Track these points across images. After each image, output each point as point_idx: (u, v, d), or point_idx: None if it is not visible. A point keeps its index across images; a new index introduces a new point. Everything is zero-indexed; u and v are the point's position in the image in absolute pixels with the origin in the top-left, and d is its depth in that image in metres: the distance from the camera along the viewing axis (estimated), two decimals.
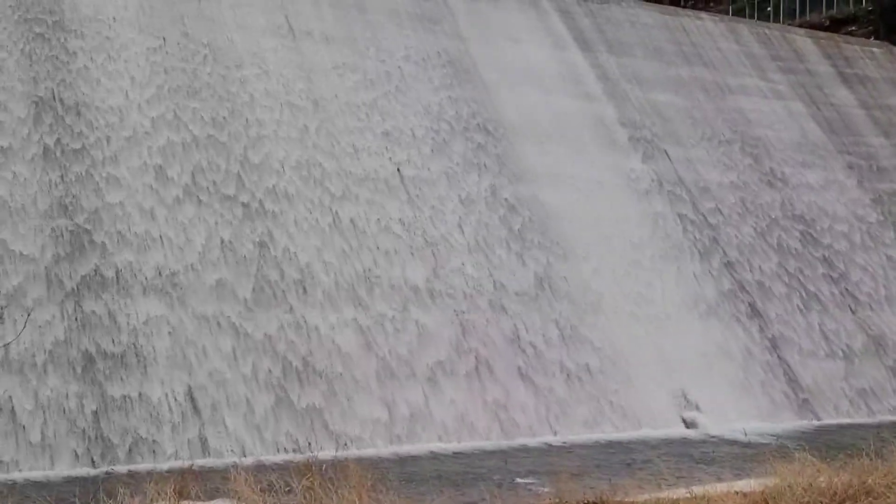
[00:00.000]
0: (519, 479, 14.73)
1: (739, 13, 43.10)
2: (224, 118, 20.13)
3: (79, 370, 15.91)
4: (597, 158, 24.95)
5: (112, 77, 19.48)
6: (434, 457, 16.91)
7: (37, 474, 14.65)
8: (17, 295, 16.18)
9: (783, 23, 40.20)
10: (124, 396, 15.96)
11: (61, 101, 18.67)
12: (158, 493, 10.14)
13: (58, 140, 18.15)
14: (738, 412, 21.48)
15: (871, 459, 11.64)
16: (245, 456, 15.87)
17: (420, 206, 21.15)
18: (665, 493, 11.69)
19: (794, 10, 42.70)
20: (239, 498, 10.11)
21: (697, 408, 21.16)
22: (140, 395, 16.08)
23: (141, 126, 19.11)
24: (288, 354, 17.69)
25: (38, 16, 19.57)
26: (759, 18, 41.29)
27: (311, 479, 10.39)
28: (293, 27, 22.61)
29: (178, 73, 20.27)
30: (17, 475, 14.57)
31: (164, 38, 20.62)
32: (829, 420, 22.73)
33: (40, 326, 15.97)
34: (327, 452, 15.52)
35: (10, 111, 18.09)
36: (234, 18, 21.87)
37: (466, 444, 17.98)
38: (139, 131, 19.03)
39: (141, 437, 15.69)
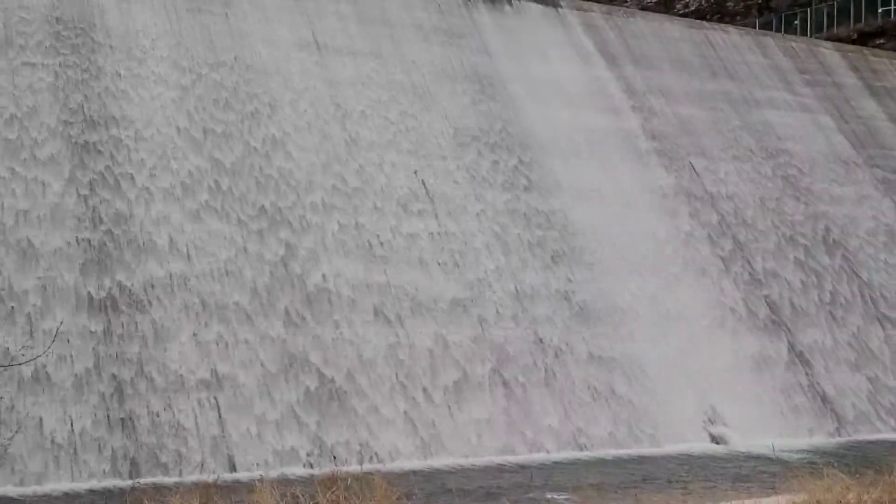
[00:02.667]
0: (544, 494, 14.67)
1: (766, 27, 42.98)
2: (251, 132, 20.23)
3: (106, 383, 16.00)
4: (623, 172, 24.89)
5: (140, 91, 19.62)
6: (459, 471, 16.88)
7: (65, 486, 14.75)
8: (46, 308, 16.31)
9: (811, 36, 40.02)
10: (150, 409, 16.03)
11: (90, 115, 18.83)
12: None
13: (86, 154, 18.29)
14: (766, 427, 21.30)
15: None
16: (270, 469, 15.88)
17: (445, 221, 21.16)
18: None
19: (822, 23, 42.53)
20: None
21: (724, 423, 21.01)
22: (166, 408, 16.14)
23: (168, 139, 19.24)
24: (314, 368, 17.72)
25: (69, 27, 19.76)
26: (786, 32, 41.13)
27: (336, 492, 10.40)
28: (319, 42, 22.73)
29: (205, 88, 20.40)
30: (45, 487, 14.67)
31: (191, 54, 20.77)
32: (859, 436, 22.50)
33: (68, 340, 16.08)
34: (353, 466, 15.51)
35: (40, 125, 18.25)
36: (261, 34, 22.01)
37: (492, 459, 17.93)
38: (167, 145, 19.15)
39: (167, 450, 15.75)
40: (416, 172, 21.59)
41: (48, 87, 18.82)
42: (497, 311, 20.29)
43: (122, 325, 16.68)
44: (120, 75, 19.64)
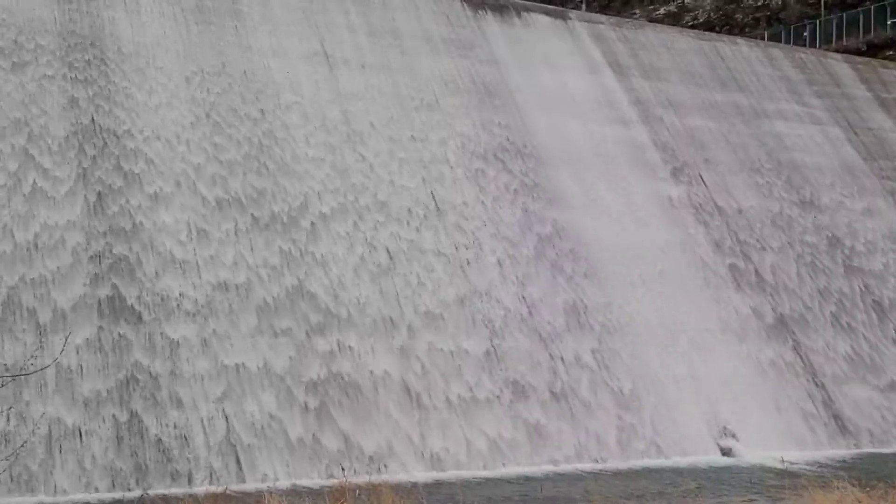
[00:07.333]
0: None
1: (775, 38, 42.99)
2: (260, 145, 20.27)
3: (115, 393, 16.02)
4: (631, 183, 24.87)
5: (151, 105, 19.69)
6: (468, 482, 16.84)
7: (73, 497, 14.74)
8: (56, 318, 16.34)
9: (820, 48, 40.01)
10: (160, 420, 16.04)
11: (101, 128, 18.90)
12: None
13: (97, 167, 18.36)
14: (776, 440, 21.23)
15: None
16: (279, 480, 15.88)
17: (454, 232, 21.16)
18: None
19: (831, 35, 42.52)
20: None
21: (734, 435, 20.93)
22: (175, 419, 16.15)
23: (179, 153, 19.30)
24: (322, 379, 17.71)
25: (79, 40, 19.86)
26: (795, 44, 41.14)
27: (344, 503, 10.39)
28: (329, 54, 22.79)
29: (215, 100, 20.46)
30: (53, 498, 14.67)
31: (201, 66, 20.85)
32: (869, 448, 22.40)
33: (78, 349, 16.12)
34: (361, 477, 15.50)
35: (51, 138, 18.33)
36: (271, 46, 22.08)
37: (500, 470, 17.89)
38: (178, 158, 19.21)
39: (176, 460, 15.75)
40: (424, 182, 21.60)
41: (58, 99, 18.90)
42: (505, 323, 20.27)
43: (132, 335, 16.70)
44: (130, 88, 19.72)
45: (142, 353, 16.59)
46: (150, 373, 16.45)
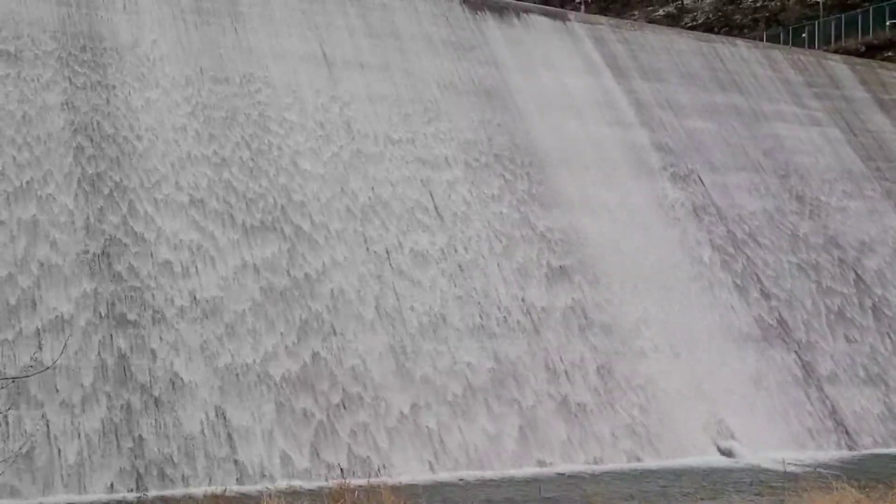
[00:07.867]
0: None
1: (773, 39, 43.05)
2: (259, 146, 20.28)
3: (113, 396, 16.00)
4: (631, 185, 24.87)
5: (149, 106, 19.69)
6: (467, 484, 16.84)
7: (71, 499, 14.74)
8: (55, 321, 16.33)
9: (818, 49, 40.04)
10: (158, 422, 16.03)
11: (99, 129, 18.90)
12: None
13: (94, 168, 18.35)
14: (775, 441, 21.23)
15: None
16: (278, 482, 15.86)
17: (453, 234, 21.16)
18: None
19: (830, 36, 42.57)
20: None
21: (734, 437, 20.93)
22: (174, 421, 16.14)
23: (177, 154, 19.30)
24: (321, 381, 17.70)
25: (78, 42, 19.86)
26: (793, 45, 41.17)
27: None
28: (328, 56, 22.79)
29: (214, 101, 20.46)
30: (52, 499, 14.66)
31: (200, 67, 20.85)
32: (868, 450, 22.39)
33: (76, 352, 16.10)
34: (360, 479, 15.48)
35: (48, 139, 18.32)
36: (271, 47, 22.09)
37: (500, 472, 17.88)
38: (175, 159, 19.21)
39: (174, 462, 15.74)
40: (423, 185, 21.60)
41: (57, 101, 18.90)
42: (504, 325, 20.26)
43: (131, 337, 16.69)
44: (128, 90, 19.71)
45: (140, 356, 16.56)
46: (150, 374, 16.41)
